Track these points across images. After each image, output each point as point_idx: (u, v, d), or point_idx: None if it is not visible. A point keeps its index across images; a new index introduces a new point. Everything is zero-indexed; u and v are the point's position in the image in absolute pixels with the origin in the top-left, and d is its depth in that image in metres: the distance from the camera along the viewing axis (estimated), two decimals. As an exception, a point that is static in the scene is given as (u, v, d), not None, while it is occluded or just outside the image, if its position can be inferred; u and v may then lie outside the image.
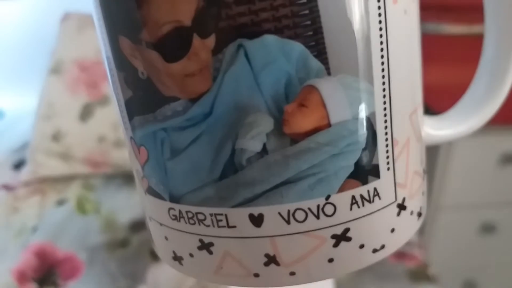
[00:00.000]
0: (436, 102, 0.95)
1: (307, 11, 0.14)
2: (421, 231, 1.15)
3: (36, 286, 0.77)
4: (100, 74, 1.03)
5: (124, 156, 1.00)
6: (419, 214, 0.19)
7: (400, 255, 0.82)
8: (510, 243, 1.18)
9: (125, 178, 1.03)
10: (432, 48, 0.92)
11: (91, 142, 1.01)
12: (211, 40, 0.15)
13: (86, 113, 1.02)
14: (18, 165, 1.09)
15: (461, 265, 1.20)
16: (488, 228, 1.15)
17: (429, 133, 0.21)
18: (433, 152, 1.08)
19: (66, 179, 1.04)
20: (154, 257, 0.81)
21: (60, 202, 0.97)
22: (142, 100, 0.16)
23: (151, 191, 0.18)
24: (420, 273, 0.78)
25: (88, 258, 0.82)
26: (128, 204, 0.95)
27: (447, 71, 0.87)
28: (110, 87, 0.18)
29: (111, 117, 1.01)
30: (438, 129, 0.21)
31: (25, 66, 1.25)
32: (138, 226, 0.89)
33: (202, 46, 0.15)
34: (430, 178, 1.09)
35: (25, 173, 1.04)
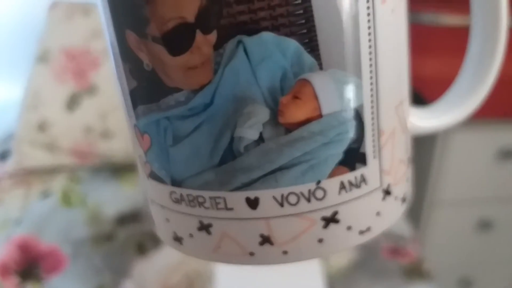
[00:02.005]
0: (433, 92, 0.95)
1: (301, 11, 0.16)
2: (416, 226, 1.12)
3: (18, 279, 0.76)
4: (88, 63, 1.01)
5: (111, 147, 0.99)
6: (403, 200, 0.21)
7: (394, 251, 0.81)
8: (507, 239, 1.17)
9: (112, 171, 1.01)
10: (430, 39, 0.92)
11: (78, 132, 0.99)
12: (213, 36, 0.16)
13: (73, 102, 1.00)
14: (3, 156, 1.07)
15: (457, 261, 1.19)
16: (484, 225, 1.14)
17: (415, 123, 0.22)
18: (429, 147, 1.07)
19: (51, 171, 1.02)
20: (140, 251, 0.80)
21: (45, 194, 0.95)
22: (147, 90, 0.17)
23: (153, 176, 0.19)
24: (415, 270, 0.77)
25: (72, 252, 0.80)
26: (115, 197, 0.94)
27: (445, 62, 0.85)
28: (114, 76, 0.19)
29: (98, 107, 0.99)
30: (424, 119, 0.23)
31: (12, 55, 1.22)
32: (125, 219, 0.88)
33: (205, 41, 0.16)
34: (426, 173, 1.09)
35: (10, 164, 1.02)
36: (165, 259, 0.78)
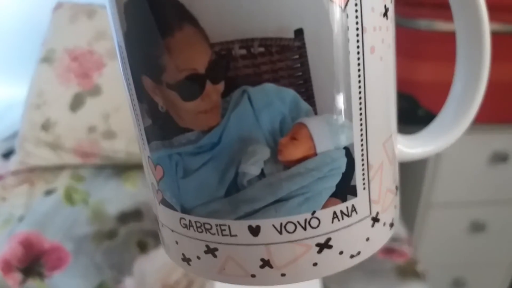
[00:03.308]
0: (428, 98, 0.96)
1: (299, 65, 0.18)
2: (411, 228, 1.14)
3: (21, 275, 0.77)
4: (91, 63, 1.02)
5: (113, 147, 1.00)
6: (391, 225, 0.23)
7: (388, 251, 0.82)
8: (499, 241, 1.18)
9: (114, 169, 1.02)
10: (425, 45, 0.93)
11: (81, 132, 1.00)
12: (221, 86, 0.18)
13: (76, 103, 1.01)
14: (7, 154, 1.08)
15: (450, 263, 1.20)
16: (477, 227, 1.15)
17: (402, 150, 0.24)
18: None
19: (54, 169, 1.03)
20: (141, 249, 0.81)
21: (48, 192, 0.97)
22: (161, 129, 0.19)
23: (164, 203, 0.21)
24: (409, 270, 0.78)
25: (74, 249, 0.82)
26: (117, 195, 0.95)
27: (440, 68, 0.87)
28: (131, 113, 0.21)
29: (101, 107, 1.00)
30: (410, 147, 0.25)
31: (17, 55, 1.23)
32: (126, 217, 0.89)
33: (213, 90, 0.18)
34: (421, 176, 1.10)
35: (14, 162, 1.03)
36: (165, 257, 0.78)
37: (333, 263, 0.20)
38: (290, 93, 0.18)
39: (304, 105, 0.18)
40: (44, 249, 0.82)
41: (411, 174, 1.13)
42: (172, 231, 0.21)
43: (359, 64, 0.18)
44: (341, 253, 0.20)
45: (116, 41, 0.20)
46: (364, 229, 0.21)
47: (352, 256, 0.20)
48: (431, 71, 0.93)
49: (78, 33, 1.05)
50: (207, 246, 0.20)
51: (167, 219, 0.21)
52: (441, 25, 0.91)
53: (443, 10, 0.90)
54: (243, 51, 0.17)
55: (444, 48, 0.79)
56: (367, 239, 0.21)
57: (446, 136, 0.25)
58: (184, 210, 0.20)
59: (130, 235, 0.85)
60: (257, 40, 0.17)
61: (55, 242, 0.84)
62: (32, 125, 1.01)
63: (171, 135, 0.19)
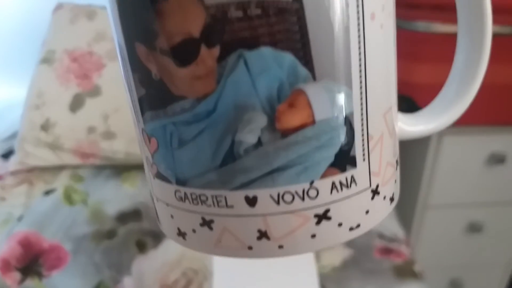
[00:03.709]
0: (426, 100, 0.96)
1: (296, 28, 0.17)
2: (409, 228, 1.14)
3: (19, 275, 0.77)
4: (91, 64, 1.03)
5: (113, 147, 1.00)
6: (392, 199, 0.22)
7: (386, 251, 0.82)
8: (496, 242, 1.19)
9: (114, 170, 1.03)
10: (423, 47, 0.93)
11: (80, 132, 1.00)
12: (216, 50, 0.17)
13: (76, 103, 1.01)
14: (7, 155, 1.08)
15: (448, 264, 1.20)
16: (474, 228, 1.16)
17: (403, 128, 0.24)
18: (421, 151, 1.08)
19: (54, 169, 1.03)
20: (140, 249, 0.81)
21: (48, 192, 0.97)
22: (155, 98, 0.19)
23: (159, 176, 0.20)
24: (406, 270, 0.78)
25: (73, 249, 0.82)
26: (116, 195, 0.95)
27: (438, 70, 0.88)
28: (124, 84, 0.21)
29: (101, 108, 1.01)
30: (411, 125, 0.24)
31: (17, 55, 1.23)
32: (125, 217, 0.89)
33: (208, 54, 0.17)
34: (419, 177, 1.10)
35: (13, 163, 1.03)
36: (164, 256, 0.79)
37: (331, 235, 0.20)
38: (288, 58, 0.17)
39: (303, 70, 0.18)
40: (43, 248, 0.82)
41: (409, 175, 1.14)
42: (167, 205, 0.21)
43: (359, 30, 0.18)
44: (340, 225, 0.20)
45: (109, 8, 0.19)
46: (364, 202, 0.20)
47: (351, 229, 0.20)
48: (429, 73, 0.93)
49: (78, 34, 1.06)
50: (202, 218, 0.20)
51: (162, 193, 0.21)
52: (439, 27, 0.91)
53: (441, 12, 0.90)
54: (239, 13, 0.17)
55: (442, 49, 0.79)
56: (367, 212, 0.20)
57: (448, 114, 0.24)
58: (179, 182, 0.20)
59: (129, 235, 0.85)
60: (254, 2, 0.17)
61: (54, 242, 0.83)
62: (32, 126, 1.01)
63: (165, 103, 0.19)
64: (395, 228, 0.88)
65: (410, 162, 1.12)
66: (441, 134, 1.04)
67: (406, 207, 1.17)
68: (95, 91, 1.02)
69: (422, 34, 0.93)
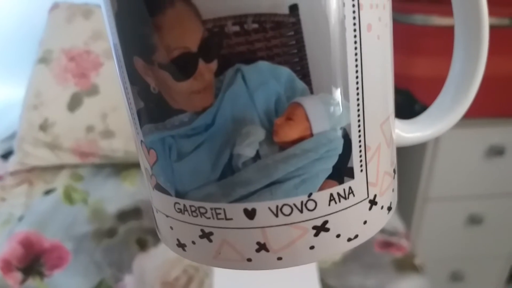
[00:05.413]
0: (424, 93, 0.97)
1: (294, 42, 0.17)
2: (409, 222, 1.15)
3: (21, 275, 0.77)
4: (88, 64, 1.02)
5: (112, 146, 1.01)
6: (389, 208, 0.22)
7: (386, 244, 0.82)
8: (496, 234, 1.19)
9: (113, 168, 1.03)
10: (421, 40, 0.94)
11: (79, 132, 1.00)
12: (214, 64, 0.17)
13: (74, 103, 1.01)
14: (6, 155, 1.08)
15: (448, 256, 1.21)
16: (474, 220, 1.16)
17: (401, 135, 0.24)
18: (421, 144, 1.07)
19: (53, 169, 1.03)
20: (141, 247, 0.81)
21: (47, 192, 0.97)
22: (153, 111, 0.19)
23: (158, 188, 0.20)
24: (406, 263, 0.78)
25: (74, 248, 0.82)
26: (116, 194, 0.95)
27: (436, 63, 0.88)
28: (123, 97, 0.21)
29: (99, 107, 1.01)
30: (408, 132, 0.24)
31: (14, 55, 1.23)
32: (125, 216, 0.89)
33: (206, 69, 0.17)
34: (419, 170, 1.10)
35: (12, 163, 1.04)
36: (165, 254, 0.79)
37: (330, 246, 0.20)
38: (285, 71, 0.18)
39: (300, 84, 0.18)
40: (44, 248, 0.83)
41: (408, 168, 1.14)
42: (167, 216, 0.21)
43: (355, 42, 0.18)
44: (338, 236, 0.20)
45: (107, 22, 0.19)
46: (362, 212, 0.20)
47: (349, 239, 0.20)
48: (427, 66, 0.94)
49: (75, 33, 1.05)
50: (202, 230, 0.20)
51: (162, 205, 0.21)
52: (436, 20, 0.91)
53: (439, 4, 0.90)
54: (236, 28, 0.17)
55: (440, 42, 0.79)
56: (365, 222, 0.20)
57: (444, 120, 0.24)
58: (179, 195, 0.20)
59: (129, 233, 0.85)
60: (251, 16, 0.17)
61: (55, 241, 0.84)
62: (30, 126, 1.01)
63: (163, 117, 0.19)
64: (395, 222, 0.88)
65: (409, 155, 1.12)
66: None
67: (406, 200, 1.18)
68: (93, 90, 1.02)
69: (419, 27, 0.93)
